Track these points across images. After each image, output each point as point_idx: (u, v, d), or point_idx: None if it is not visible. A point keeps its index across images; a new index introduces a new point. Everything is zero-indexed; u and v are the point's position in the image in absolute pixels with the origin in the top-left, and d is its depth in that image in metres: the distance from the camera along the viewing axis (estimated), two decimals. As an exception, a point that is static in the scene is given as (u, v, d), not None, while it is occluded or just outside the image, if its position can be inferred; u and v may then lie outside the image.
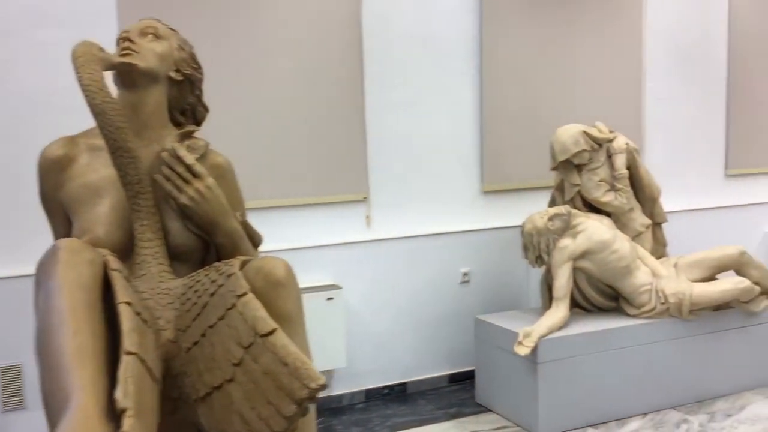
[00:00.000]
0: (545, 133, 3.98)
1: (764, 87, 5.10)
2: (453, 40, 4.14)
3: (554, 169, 3.84)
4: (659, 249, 4.15)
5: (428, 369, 4.16)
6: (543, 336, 3.43)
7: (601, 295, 3.83)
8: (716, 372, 3.84)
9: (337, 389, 3.93)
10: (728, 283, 3.72)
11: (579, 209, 3.87)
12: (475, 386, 3.93)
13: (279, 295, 1.74)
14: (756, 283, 3.88)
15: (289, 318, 1.75)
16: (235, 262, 1.84)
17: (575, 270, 3.70)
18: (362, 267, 3.97)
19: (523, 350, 3.36)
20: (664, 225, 4.13)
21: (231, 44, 3.62)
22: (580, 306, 3.86)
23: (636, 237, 3.93)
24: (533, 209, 3.90)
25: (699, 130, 4.96)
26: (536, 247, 3.68)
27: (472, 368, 3.99)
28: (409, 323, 4.10)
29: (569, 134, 3.71)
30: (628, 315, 3.75)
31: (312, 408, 1.78)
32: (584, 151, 3.73)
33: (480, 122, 4.23)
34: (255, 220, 3.80)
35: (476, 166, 4.26)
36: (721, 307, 3.81)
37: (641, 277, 3.72)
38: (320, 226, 3.89)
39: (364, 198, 3.99)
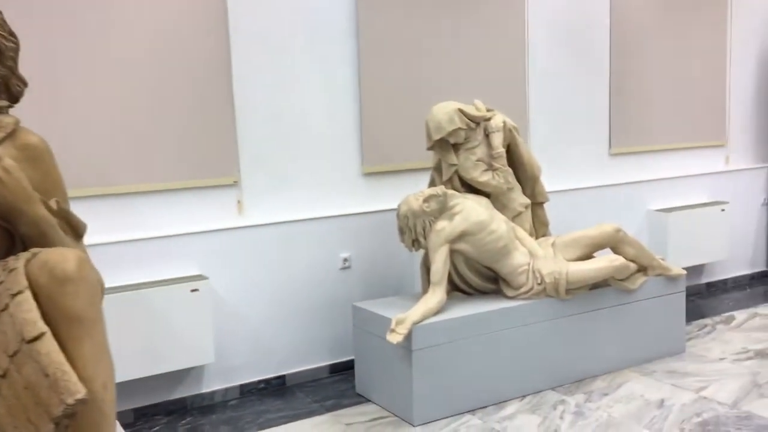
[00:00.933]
0: (428, 112, 3.84)
1: (646, 66, 5.14)
2: (327, 11, 3.93)
3: (430, 148, 3.72)
4: (541, 229, 4.11)
5: (308, 360, 3.99)
6: (417, 322, 3.30)
7: (480, 278, 3.74)
8: (594, 351, 3.83)
9: (208, 386, 3.71)
10: (603, 261, 3.70)
11: (457, 189, 3.76)
12: (355, 376, 3.79)
13: (66, 292, 1.52)
14: (632, 261, 3.89)
15: (79, 318, 1.52)
16: (24, 255, 1.60)
17: (453, 252, 3.59)
18: (234, 255, 3.75)
19: (395, 338, 3.23)
20: (546, 204, 4.09)
21: (76, 8, 3.31)
22: (459, 289, 3.76)
23: (515, 217, 3.87)
24: (416, 191, 3.76)
25: (583, 109, 4.94)
26: (412, 230, 3.55)
27: (353, 358, 3.85)
28: (287, 313, 3.91)
29: (444, 112, 3.59)
30: (506, 297, 3.68)
31: (110, 415, 1.56)
32: (460, 129, 3.61)
33: (359, 100, 4.06)
34: (109, 209, 3.55)
35: (355, 146, 4.09)
36: (599, 285, 3.80)
37: (519, 257, 3.65)
38: (185, 213, 3.64)
39: (235, 182, 3.75)
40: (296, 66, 3.87)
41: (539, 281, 3.61)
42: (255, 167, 3.81)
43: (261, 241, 3.82)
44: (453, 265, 3.65)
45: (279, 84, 3.83)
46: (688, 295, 5.38)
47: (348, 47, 4.01)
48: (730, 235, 5.51)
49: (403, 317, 3.29)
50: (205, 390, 3.70)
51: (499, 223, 3.61)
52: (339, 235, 4.04)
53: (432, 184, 3.89)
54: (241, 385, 3.79)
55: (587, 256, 3.82)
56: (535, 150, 4.70)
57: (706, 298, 5.37)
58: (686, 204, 5.39)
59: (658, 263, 3.97)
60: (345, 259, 4.05)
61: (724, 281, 5.68)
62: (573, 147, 4.92)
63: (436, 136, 3.60)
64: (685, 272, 4.09)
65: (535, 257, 3.67)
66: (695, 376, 3.80)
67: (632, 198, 5.19)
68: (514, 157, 3.97)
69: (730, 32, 5.54)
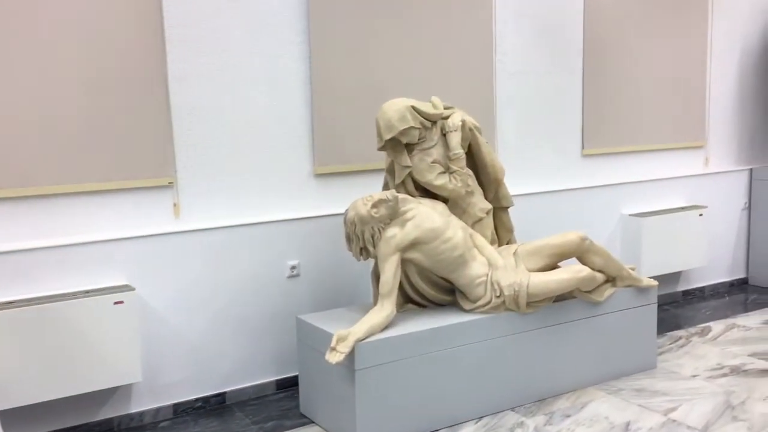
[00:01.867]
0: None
1: (622, 64, 4.88)
2: (275, 5, 3.64)
3: (382, 148, 3.43)
4: (506, 235, 3.84)
5: (252, 376, 3.70)
6: (360, 339, 3.02)
7: (436, 289, 3.47)
8: (558, 368, 3.56)
9: (137, 405, 3.41)
10: (567, 272, 3.43)
11: (411, 193, 3.48)
12: (299, 394, 3.51)
13: None
14: (599, 271, 3.63)
15: None
16: None
17: (405, 262, 3.32)
18: (169, 263, 3.45)
19: (335, 357, 2.94)
20: (512, 209, 3.82)
21: (-11, -1, 3.00)
22: (412, 301, 3.49)
23: (476, 223, 3.59)
24: (372, 193, 3.45)
25: (554, 108, 4.68)
26: (360, 237, 3.27)
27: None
28: (228, 326, 3.62)
29: (395, 110, 3.30)
30: (463, 310, 3.41)
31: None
32: (413, 128, 3.33)
33: (310, 97, 3.77)
34: (28, 211, 3.22)
35: (307, 145, 3.80)
36: (563, 297, 3.53)
37: (476, 268, 3.37)
38: (115, 216, 3.33)
39: (170, 183, 3.45)
40: (240, 63, 3.58)
41: (498, 293, 3.34)
42: (193, 168, 3.51)
43: (199, 247, 3.52)
44: (405, 275, 3.38)
45: (221, 81, 3.53)
46: (662, 305, 5.17)
47: (298, 42, 3.72)
48: (708, 241, 5.27)
49: (345, 334, 3.00)
50: (134, 410, 3.40)
51: (455, 231, 3.33)
52: (287, 241, 3.75)
53: (386, 187, 3.61)
54: (175, 404, 3.50)
55: (551, 266, 3.55)
56: (503, 151, 4.45)
57: (682, 307, 5.13)
58: (662, 208, 5.14)
59: (628, 274, 3.71)
60: (293, 267, 3.76)
61: (702, 289, 5.44)
62: (543, 148, 4.65)
63: (387, 136, 3.32)
64: (656, 283, 3.83)
65: (494, 268, 3.39)
66: (665, 395, 3.54)
67: (605, 202, 4.94)
68: (475, 159, 3.70)
69: (711, 30, 5.29)
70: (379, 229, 3.25)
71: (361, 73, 3.89)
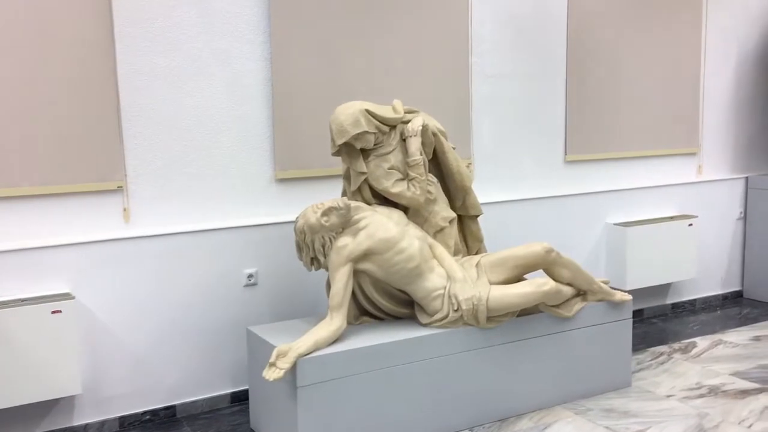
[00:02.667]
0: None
1: (609, 66, 4.70)
2: (232, 2, 3.51)
3: (336, 154, 3.29)
4: (475, 245, 3.68)
5: (204, 389, 3.56)
6: (303, 354, 2.87)
7: (393, 301, 3.31)
8: (522, 386, 3.39)
9: (80, 418, 3.28)
10: (530, 286, 3.25)
11: (368, 201, 3.33)
12: (249, 409, 3.37)
13: None
14: (568, 284, 3.45)
15: None
16: None
17: (358, 273, 3.17)
18: (117, 271, 3.33)
19: (273, 374, 2.79)
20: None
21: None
22: (368, 314, 3.33)
23: (438, 233, 3.43)
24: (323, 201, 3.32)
25: (535, 112, 4.50)
26: (310, 246, 3.13)
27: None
28: (180, 336, 3.49)
29: (348, 113, 3.15)
30: (420, 324, 3.25)
31: None
32: (366, 133, 3.18)
33: (271, 98, 3.63)
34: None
35: (267, 149, 3.66)
36: (528, 312, 3.36)
37: (434, 280, 3.21)
38: (57, 221, 3.21)
39: (119, 187, 3.33)
40: (196, 62, 3.45)
41: (456, 307, 3.18)
42: (145, 171, 3.38)
43: (150, 254, 3.40)
44: (359, 287, 3.23)
45: (175, 81, 3.41)
46: (650, 318, 4.98)
47: (259, 42, 3.59)
48: (699, 252, 5.06)
49: (286, 348, 2.86)
50: (76, 423, 3.28)
51: (411, 241, 3.17)
52: (244, 249, 3.61)
53: (344, 194, 3.46)
54: (122, 417, 3.37)
55: (516, 278, 3.38)
56: (479, 157, 4.29)
57: (669, 320, 4.93)
58: (650, 218, 4.94)
59: (599, 287, 3.53)
60: (250, 276, 3.63)
61: (693, 302, 5.23)
62: (523, 154, 4.48)
63: (339, 141, 3.17)
64: (630, 298, 3.65)
65: (452, 280, 3.23)
66: (635, 416, 3.36)
67: (589, 210, 4.75)
68: (441, 166, 3.55)
69: (706, 31, 5.09)
70: (330, 239, 3.10)
71: (325, 75, 3.75)
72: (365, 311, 3.31)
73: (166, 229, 3.44)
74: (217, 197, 3.56)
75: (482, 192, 4.23)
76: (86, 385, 3.26)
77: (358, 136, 3.16)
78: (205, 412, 3.54)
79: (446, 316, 3.19)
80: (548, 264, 3.37)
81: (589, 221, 4.76)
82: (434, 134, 3.45)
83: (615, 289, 3.70)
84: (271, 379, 2.77)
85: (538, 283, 3.25)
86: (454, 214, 3.50)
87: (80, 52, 3.19)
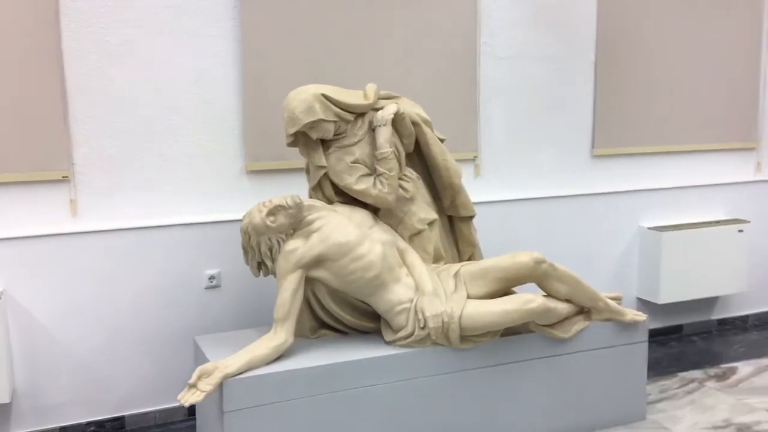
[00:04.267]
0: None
1: (648, 46, 4.11)
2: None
3: (292, 144, 2.89)
4: (467, 250, 3.23)
5: (157, 400, 3.25)
6: (232, 375, 2.50)
7: (355, 314, 2.90)
8: (505, 418, 2.92)
9: (16, 427, 3.02)
10: (513, 302, 2.77)
11: (330, 199, 2.93)
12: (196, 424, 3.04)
13: None
14: (566, 300, 2.95)
15: None
16: None
17: (312, 281, 2.77)
18: (61, 268, 3.04)
19: (191, 397, 2.43)
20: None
21: None
22: (328, 327, 2.93)
23: (414, 236, 3.00)
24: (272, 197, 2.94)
25: (558, 99, 3.97)
26: (255, 249, 2.76)
27: (205, 400, 3.09)
28: (131, 341, 3.18)
29: (300, 99, 2.75)
30: (384, 342, 2.83)
31: None
32: (322, 121, 2.76)
33: (241, 82, 3.27)
34: None
35: (237, 138, 3.31)
36: (516, 330, 2.89)
37: (398, 291, 2.78)
38: (-5, 213, 2.97)
39: (64, 177, 3.05)
40: (156, 41, 3.12)
41: (422, 324, 2.74)
42: (96, 160, 3.09)
43: (99, 250, 3.10)
44: (314, 296, 2.83)
45: (131, 62, 3.09)
46: (690, 335, 4.38)
47: (228, 19, 3.23)
48: (752, 262, 4.41)
49: (212, 367, 2.49)
50: (14, 431, 3.03)
51: (372, 246, 2.75)
52: (206, 247, 3.27)
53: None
54: (63, 428, 3.10)
55: (502, 293, 2.90)
56: (488, 149, 3.82)
57: (712, 339, 4.32)
58: (691, 221, 4.32)
59: (606, 305, 3.01)
60: (211, 277, 3.29)
61: (744, 318, 4.59)
62: (540, 146, 3.97)
63: (291, 130, 2.77)
64: (644, 317, 3.12)
65: (420, 293, 2.79)
66: (640, 460, 2.85)
67: (619, 211, 4.19)
68: (426, 160, 3.11)
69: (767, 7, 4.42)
70: (278, 241, 2.72)
71: (304, 56, 3.35)
72: (325, 324, 2.92)
73: (117, 224, 3.14)
74: (177, 190, 3.24)
75: (489, 189, 3.79)
76: (23, 391, 3.01)
77: (313, 125, 2.75)
78: (157, 424, 3.23)
79: (411, 334, 2.75)
80: (539, 277, 2.88)
81: (618, 224, 4.20)
82: (415, 123, 3.01)
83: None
84: (187, 404, 2.41)
85: (522, 300, 2.77)
86: (434, 216, 3.05)
87: (20, 24, 2.90)
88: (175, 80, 3.18)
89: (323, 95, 2.74)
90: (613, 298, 3.12)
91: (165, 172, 3.21)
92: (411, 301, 2.77)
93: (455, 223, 3.23)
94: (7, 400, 2.85)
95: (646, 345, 3.17)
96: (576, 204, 4.08)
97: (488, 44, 3.77)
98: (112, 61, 3.07)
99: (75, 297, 3.07)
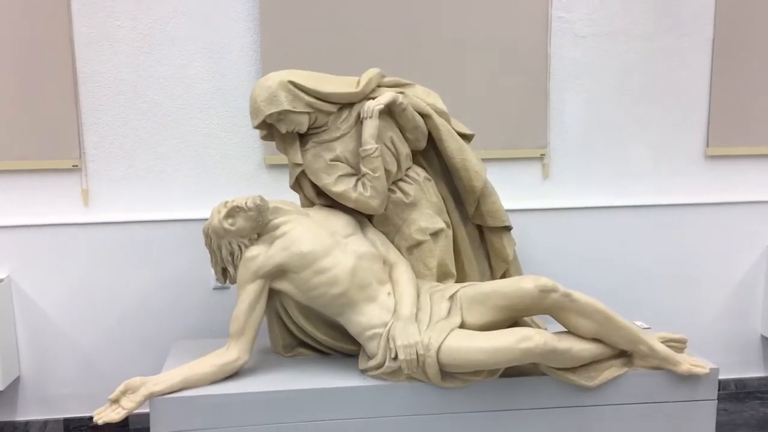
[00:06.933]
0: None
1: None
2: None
3: (266, 138, 2.56)
4: (500, 267, 2.72)
5: (161, 399, 3.12)
6: (160, 393, 2.25)
7: (331, 333, 2.52)
8: (505, 475, 2.39)
9: (23, 414, 3.04)
10: (507, 338, 2.22)
11: (310, 199, 2.57)
12: None
13: None
14: (594, 339, 2.34)
15: None
16: None
17: (278, 294, 2.45)
18: (68, 259, 3.00)
19: (108, 415, 2.20)
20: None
21: None
22: (306, 345, 2.58)
23: (413, 248, 2.54)
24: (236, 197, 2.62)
25: (657, 86, 3.26)
26: (217, 253, 2.48)
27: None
28: (136, 337, 3.07)
29: (264, 87, 2.39)
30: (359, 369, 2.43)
31: None
32: (290, 112, 2.39)
33: (260, 67, 3.01)
34: None
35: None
36: (527, 372, 2.35)
37: (371, 314, 2.35)
38: (6, 201, 2.98)
39: (75, 166, 2.99)
40: (168, 25, 2.97)
41: (393, 355, 2.29)
42: (108, 149, 3.01)
43: (109, 242, 3.02)
44: (284, 310, 2.50)
45: (143, 47, 2.97)
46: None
47: (244, 2, 2.98)
48: None
49: (138, 383, 2.26)
50: (20, 418, 3.05)
51: (341, 259, 2.35)
52: (218, 245, 3.07)
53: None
54: (66, 420, 3.07)
55: (506, 323, 2.36)
56: (567, 145, 3.26)
57: None
58: (842, 243, 3.37)
59: (650, 348, 2.34)
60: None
61: None
62: (635, 143, 3.28)
63: (254, 122, 2.44)
64: (707, 370, 2.39)
65: (396, 317, 2.34)
66: None
67: (740, 226, 3.37)
68: (445, 159, 2.64)
69: None
70: (239, 246, 2.42)
71: (328, 39, 3.01)
72: (301, 342, 2.57)
73: (129, 216, 3.04)
74: (192, 183, 3.07)
75: (560, 194, 3.24)
76: (28, 379, 3.02)
77: (280, 117, 2.39)
78: (160, 427, 3.10)
79: (381, 365, 2.32)
80: (549, 309, 2.29)
81: (739, 242, 3.37)
82: (426, 116, 2.55)
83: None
84: (101, 423, 2.20)
85: (518, 336, 2.21)
86: (440, 225, 2.56)
87: (30, 11, 2.87)
88: (188, 67, 3.00)
89: (291, 82, 2.37)
90: (672, 341, 2.44)
91: (178, 164, 3.05)
92: (385, 325, 2.33)
93: (485, 234, 2.72)
94: (2, 387, 2.86)
95: (714, 404, 2.44)
96: (682, 215, 3.33)
97: (564, 19, 3.16)
98: (123, 47, 2.95)
99: (80, 288, 3.02)
